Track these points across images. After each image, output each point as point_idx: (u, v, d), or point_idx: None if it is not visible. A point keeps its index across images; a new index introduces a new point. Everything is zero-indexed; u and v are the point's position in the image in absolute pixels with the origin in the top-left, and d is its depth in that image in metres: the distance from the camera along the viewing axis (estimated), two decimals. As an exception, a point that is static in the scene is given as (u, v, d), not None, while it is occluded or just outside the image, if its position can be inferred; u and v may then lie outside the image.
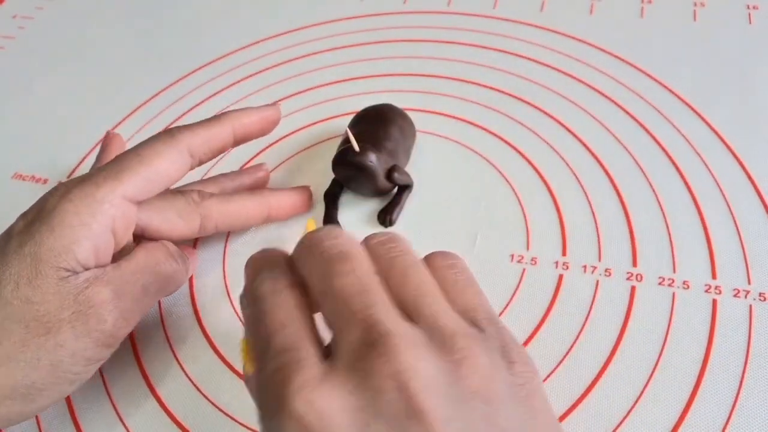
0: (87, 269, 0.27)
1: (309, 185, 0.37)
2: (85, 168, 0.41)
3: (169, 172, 0.29)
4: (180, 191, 0.32)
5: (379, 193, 0.36)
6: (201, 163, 0.31)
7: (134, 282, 0.28)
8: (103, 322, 0.27)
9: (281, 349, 0.21)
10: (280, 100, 0.36)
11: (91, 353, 0.27)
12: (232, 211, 0.33)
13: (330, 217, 0.36)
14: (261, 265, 0.25)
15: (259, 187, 0.37)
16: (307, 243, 0.24)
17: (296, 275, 0.24)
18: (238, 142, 0.32)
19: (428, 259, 0.25)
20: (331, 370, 0.20)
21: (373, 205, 0.36)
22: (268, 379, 0.20)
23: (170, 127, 0.30)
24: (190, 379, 0.31)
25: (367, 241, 0.24)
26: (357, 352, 0.20)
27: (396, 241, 0.24)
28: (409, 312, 0.22)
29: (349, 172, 0.34)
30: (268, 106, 0.33)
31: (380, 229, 0.35)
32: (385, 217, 0.35)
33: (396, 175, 0.35)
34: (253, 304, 0.23)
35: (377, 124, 0.36)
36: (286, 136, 0.41)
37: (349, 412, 0.19)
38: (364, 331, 0.20)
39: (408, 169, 0.37)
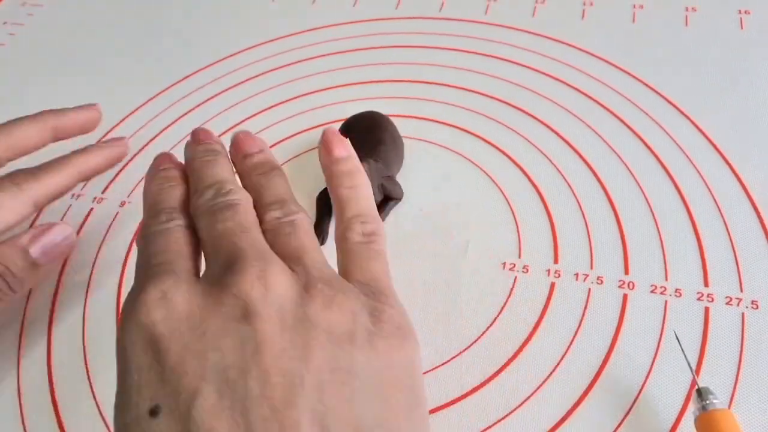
0: None
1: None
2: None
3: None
4: None
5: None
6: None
7: None
8: None
9: (158, 262, 0.23)
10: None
11: None
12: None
13: (320, 226, 0.35)
14: (155, 202, 0.26)
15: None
16: (199, 193, 0.25)
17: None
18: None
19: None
20: (193, 280, 0.22)
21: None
22: (136, 288, 0.22)
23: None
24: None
25: (259, 192, 0.26)
26: (219, 269, 0.22)
27: (273, 173, 0.26)
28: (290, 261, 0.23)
29: None
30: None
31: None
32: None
33: (388, 186, 0.35)
34: (143, 240, 0.24)
35: (369, 132, 0.36)
36: (278, 143, 0.41)
37: (192, 306, 0.21)
38: (227, 255, 0.22)
39: (399, 175, 0.37)
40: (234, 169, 0.28)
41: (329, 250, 0.35)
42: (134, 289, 0.22)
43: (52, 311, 0.35)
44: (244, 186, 0.26)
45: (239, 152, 0.28)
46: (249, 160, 0.27)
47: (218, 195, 0.25)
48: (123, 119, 0.44)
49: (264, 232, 0.24)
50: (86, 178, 0.33)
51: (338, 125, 0.38)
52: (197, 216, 0.25)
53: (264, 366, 0.19)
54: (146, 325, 0.20)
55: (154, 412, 0.19)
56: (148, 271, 0.22)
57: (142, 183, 0.38)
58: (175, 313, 0.21)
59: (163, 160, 0.28)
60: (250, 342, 0.20)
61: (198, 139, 0.28)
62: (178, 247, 0.24)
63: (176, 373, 0.20)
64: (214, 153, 0.27)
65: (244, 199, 0.25)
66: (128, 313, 0.21)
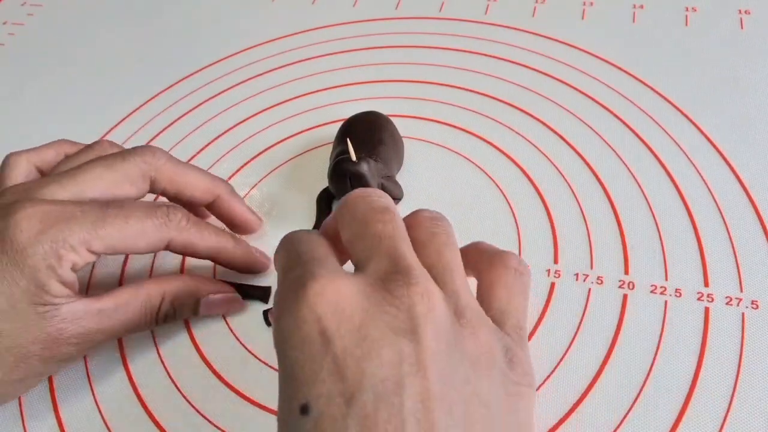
0: (63, 296, 0.27)
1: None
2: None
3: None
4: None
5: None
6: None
7: (108, 322, 0.28)
8: (70, 355, 0.28)
9: (309, 258, 0.22)
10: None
11: (54, 370, 0.30)
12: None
13: (320, 225, 0.35)
14: (295, 235, 0.25)
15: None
16: (357, 194, 0.25)
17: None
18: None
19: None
20: (354, 276, 0.22)
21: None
22: (292, 281, 0.21)
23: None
24: (172, 380, 0.31)
25: (416, 212, 0.25)
26: (381, 273, 0.21)
27: (442, 221, 0.25)
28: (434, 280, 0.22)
29: (345, 183, 0.34)
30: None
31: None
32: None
33: (388, 186, 0.35)
34: (285, 244, 0.24)
35: (369, 132, 0.36)
36: (278, 143, 0.41)
37: (355, 308, 0.20)
38: (391, 261, 0.22)
39: (399, 176, 0.37)
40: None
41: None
42: (292, 282, 0.21)
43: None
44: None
45: None
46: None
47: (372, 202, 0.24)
48: (123, 119, 0.44)
49: (413, 240, 0.24)
50: (220, 260, 0.32)
51: (338, 125, 0.38)
52: (341, 222, 0.24)
53: (423, 386, 0.19)
54: (312, 318, 0.20)
55: (304, 410, 0.19)
56: (302, 266, 0.22)
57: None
58: (343, 310, 0.20)
59: None
60: (409, 358, 0.19)
61: None
62: (325, 249, 0.23)
63: (334, 374, 0.19)
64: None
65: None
66: (292, 304, 0.21)
